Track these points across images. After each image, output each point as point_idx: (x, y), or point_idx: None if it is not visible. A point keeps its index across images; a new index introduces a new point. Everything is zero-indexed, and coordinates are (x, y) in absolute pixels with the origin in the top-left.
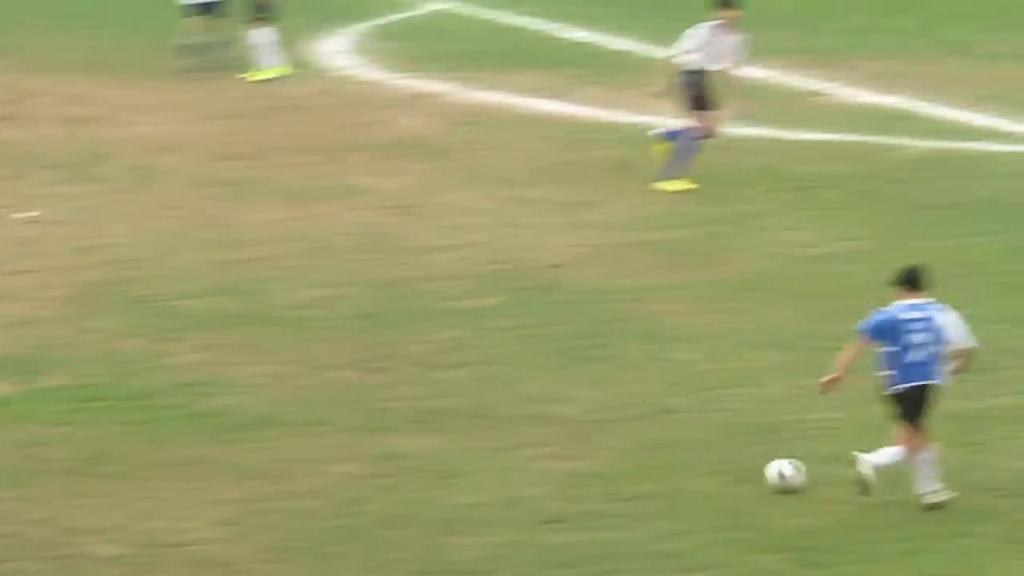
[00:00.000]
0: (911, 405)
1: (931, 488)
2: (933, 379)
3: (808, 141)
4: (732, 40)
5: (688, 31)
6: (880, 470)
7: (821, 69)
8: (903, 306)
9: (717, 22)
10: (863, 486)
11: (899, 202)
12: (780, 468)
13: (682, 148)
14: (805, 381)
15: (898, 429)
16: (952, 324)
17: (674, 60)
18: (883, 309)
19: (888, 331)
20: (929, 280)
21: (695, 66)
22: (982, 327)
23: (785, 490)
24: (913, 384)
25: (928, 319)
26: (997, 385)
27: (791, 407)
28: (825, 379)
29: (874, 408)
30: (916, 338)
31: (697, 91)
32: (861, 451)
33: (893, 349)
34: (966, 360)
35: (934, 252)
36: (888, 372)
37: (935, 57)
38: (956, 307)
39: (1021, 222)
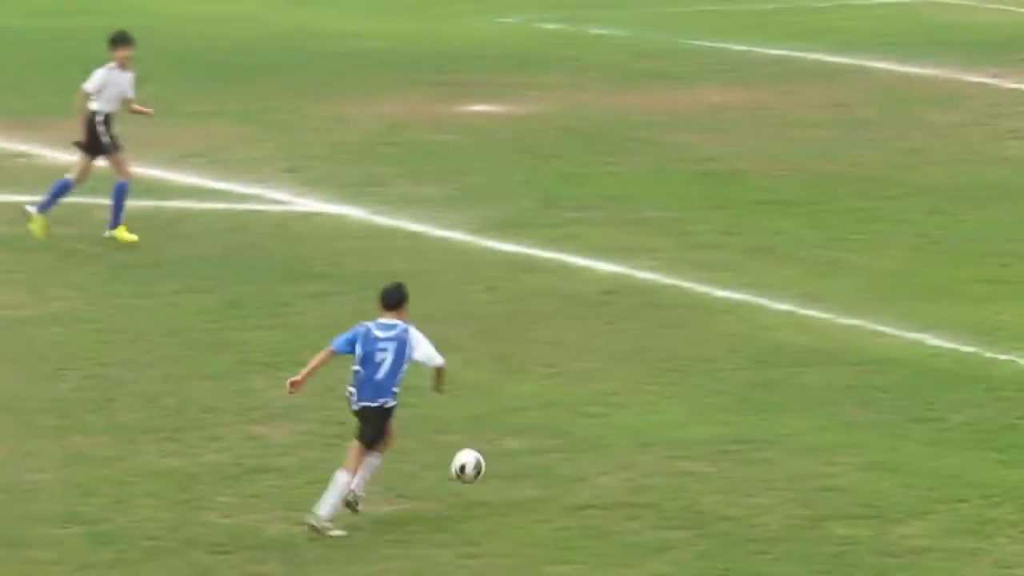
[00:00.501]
0: (366, 424)
1: (326, 514)
2: (387, 400)
3: (10, 203)
4: (127, 79)
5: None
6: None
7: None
8: (377, 324)
9: (112, 64)
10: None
11: (106, 262)
12: (469, 462)
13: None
14: (24, 444)
15: (351, 448)
16: (419, 344)
17: (84, 106)
18: (360, 324)
19: (355, 346)
20: (403, 299)
21: (98, 109)
22: (187, 384)
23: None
24: (368, 404)
25: (394, 340)
26: (207, 442)
27: (6, 470)
28: (293, 378)
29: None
30: (379, 356)
31: (99, 136)
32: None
33: (357, 368)
34: (439, 379)
35: (144, 311)
36: (351, 389)
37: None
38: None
39: (225, 279)
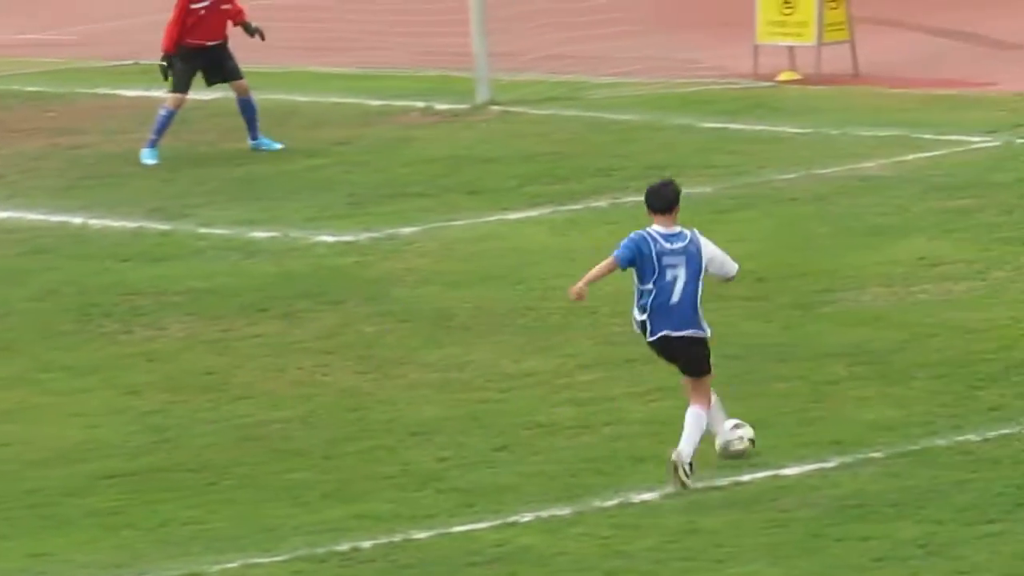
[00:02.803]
0: (676, 356)
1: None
2: (696, 330)
3: None
4: None
5: None
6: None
7: None
8: (658, 233)
9: None
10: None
11: None
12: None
13: None
14: None
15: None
16: (710, 252)
17: None
18: (638, 233)
19: (641, 259)
20: (678, 198)
21: None
22: None
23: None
24: (670, 333)
25: (682, 252)
26: None
27: None
28: (574, 287)
29: None
30: (670, 274)
31: None
32: None
33: (647, 286)
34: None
35: None
36: (640, 316)
37: None
38: None
39: None
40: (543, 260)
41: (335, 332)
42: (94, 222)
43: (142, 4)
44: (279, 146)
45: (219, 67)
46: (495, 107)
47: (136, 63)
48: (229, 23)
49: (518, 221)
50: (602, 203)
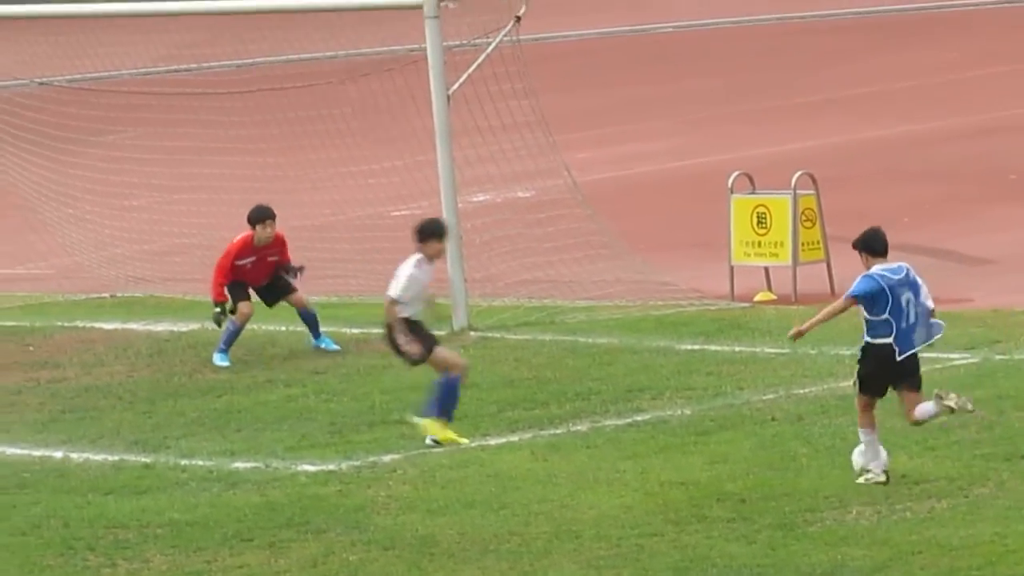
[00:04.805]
0: (907, 373)
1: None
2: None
3: None
4: None
5: None
6: None
7: None
8: (886, 269)
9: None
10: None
11: None
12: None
13: None
14: None
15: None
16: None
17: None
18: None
19: (879, 294)
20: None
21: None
22: None
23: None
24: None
25: (907, 283)
26: None
27: None
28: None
29: None
30: (904, 300)
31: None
32: None
33: (885, 317)
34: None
35: None
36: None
37: None
38: None
39: None
40: (525, 485)
41: (319, 561)
42: (75, 455)
43: (120, 237)
44: (337, 347)
45: (272, 289)
46: (473, 333)
47: (113, 296)
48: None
49: (499, 447)
50: (582, 427)
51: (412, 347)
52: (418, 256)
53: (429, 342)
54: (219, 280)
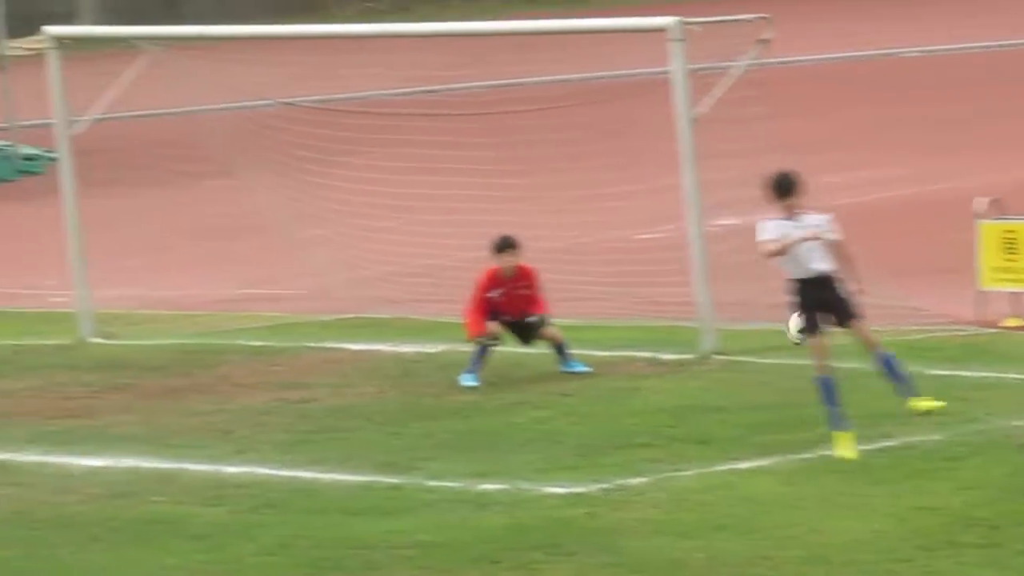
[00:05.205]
0: None
1: None
2: None
3: None
4: None
5: None
6: None
7: None
8: None
9: None
10: None
11: None
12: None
13: None
14: None
15: None
16: None
17: None
18: None
19: None
20: None
21: None
22: None
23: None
24: None
25: None
26: None
27: None
28: None
29: None
30: None
31: None
32: None
33: None
34: None
35: None
36: None
37: None
38: None
39: None
40: (774, 509)
41: None
42: (324, 476)
43: (366, 258)
44: (587, 368)
45: (525, 327)
46: (720, 357)
47: (359, 316)
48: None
49: (748, 471)
50: (830, 452)
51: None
52: None
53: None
54: (474, 317)
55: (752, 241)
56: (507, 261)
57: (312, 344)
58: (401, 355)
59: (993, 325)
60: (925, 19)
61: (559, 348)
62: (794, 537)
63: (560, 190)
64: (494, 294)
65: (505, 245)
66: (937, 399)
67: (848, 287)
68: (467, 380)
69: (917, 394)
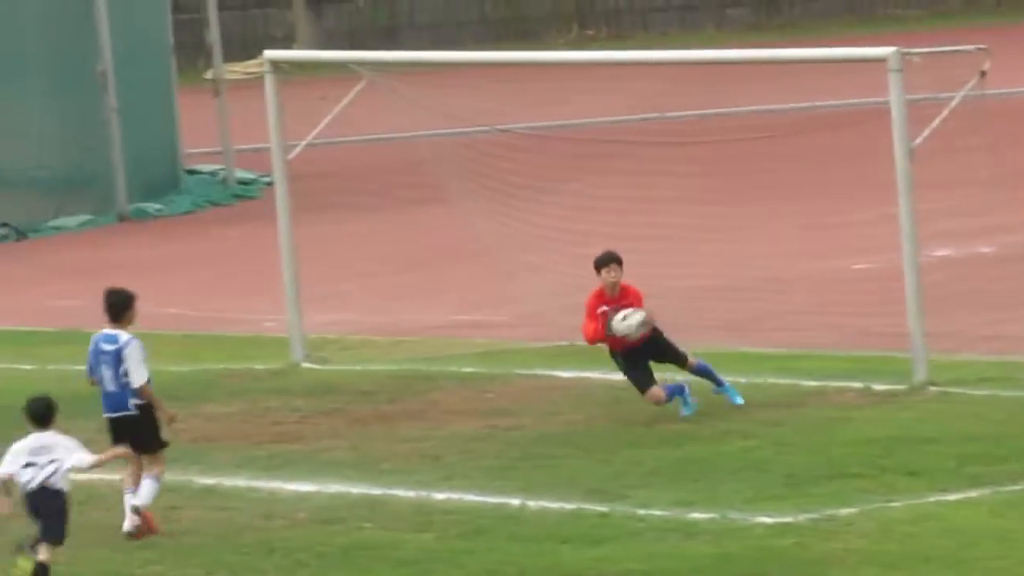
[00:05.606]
0: None
1: None
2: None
3: None
4: None
5: None
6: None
7: None
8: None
9: None
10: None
11: None
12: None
13: None
14: None
15: None
16: None
17: None
18: None
19: None
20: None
21: None
22: None
23: None
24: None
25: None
26: None
27: None
28: None
29: None
30: None
31: None
32: None
33: None
34: None
35: None
36: None
37: None
38: None
39: None
40: (982, 542)
41: None
42: (532, 503)
43: (577, 285)
44: (741, 400)
45: (656, 350)
46: (933, 387)
47: (571, 344)
48: None
49: (957, 502)
50: None
51: None
52: None
53: None
54: (588, 323)
55: (967, 271)
56: (608, 278)
57: (522, 371)
58: (611, 383)
59: None
60: None
61: (706, 374)
62: (1002, 570)
63: (773, 218)
64: (602, 312)
65: (604, 260)
66: None
67: None
68: (685, 411)
69: None
